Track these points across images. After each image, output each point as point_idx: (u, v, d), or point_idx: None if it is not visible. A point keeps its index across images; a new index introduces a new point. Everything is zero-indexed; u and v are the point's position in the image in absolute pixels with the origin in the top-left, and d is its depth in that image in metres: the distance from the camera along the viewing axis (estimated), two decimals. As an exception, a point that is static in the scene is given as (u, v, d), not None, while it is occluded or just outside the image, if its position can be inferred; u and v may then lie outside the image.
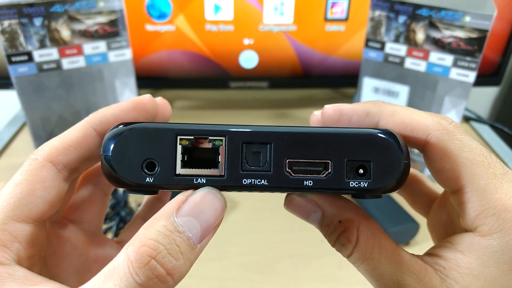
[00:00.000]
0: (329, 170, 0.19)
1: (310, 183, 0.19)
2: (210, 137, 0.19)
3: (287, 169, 0.19)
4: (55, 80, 0.56)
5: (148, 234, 0.16)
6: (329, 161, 0.19)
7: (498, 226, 0.18)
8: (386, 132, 0.19)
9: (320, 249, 0.51)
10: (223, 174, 0.18)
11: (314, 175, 0.19)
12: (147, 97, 0.22)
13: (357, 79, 0.66)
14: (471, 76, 0.57)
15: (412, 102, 0.63)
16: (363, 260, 0.20)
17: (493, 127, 0.78)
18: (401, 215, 0.52)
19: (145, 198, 0.29)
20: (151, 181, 0.18)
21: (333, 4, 0.69)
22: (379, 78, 0.64)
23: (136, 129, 0.19)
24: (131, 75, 0.61)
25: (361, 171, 0.19)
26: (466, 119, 0.80)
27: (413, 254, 0.20)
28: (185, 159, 0.19)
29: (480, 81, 0.66)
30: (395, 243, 0.20)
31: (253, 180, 0.18)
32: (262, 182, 0.18)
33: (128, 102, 0.22)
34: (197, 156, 0.19)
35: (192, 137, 0.19)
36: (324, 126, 0.22)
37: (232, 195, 0.59)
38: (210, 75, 0.75)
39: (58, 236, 0.24)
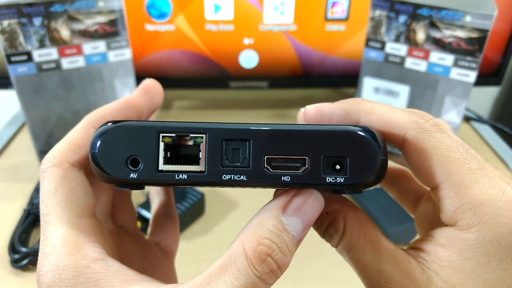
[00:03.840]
0: (306, 166, 0.19)
1: (288, 178, 0.19)
2: (191, 135, 0.19)
3: (265, 165, 0.19)
4: (54, 80, 0.56)
5: (262, 232, 0.18)
6: (306, 157, 0.19)
7: (475, 220, 0.18)
8: (362, 128, 0.19)
9: (320, 249, 0.51)
10: (204, 170, 0.19)
11: (292, 171, 0.19)
12: (135, 95, 0.24)
13: (358, 79, 0.66)
14: (472, 76, 0.57)
15: (413, 102, 0.63)
16: (349, 249, 0.20)
17: (494, 127, 0.78)
18: (401, 215, 0.52)
19: (152, 198, 0.30)
20: (135, 176, 0.19)
21: (333, 4, 0.69)
22: (380, 78, 0.64)
23: (120, 127, 0.19)
24: (131, 75, 0.61)
25: (337, 167, 0.19)
26: (467, 119, 0.80)
27: (397, 246, 0.21)
28: (168, 155, 0.19)
29: (481, 81, 0.66)
30: (380, 233, 0.21)
31: (232, 175, 0.19)
32: (241, 178, 0.19)
33: (121, 102, 0.23)
34: (179, 152, 0.19)
35: (174, 135, 0.19)
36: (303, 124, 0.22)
37: (232, 196, 0.59)
38: (210, 75, 0.75)
39: (119, 239, 0.25)
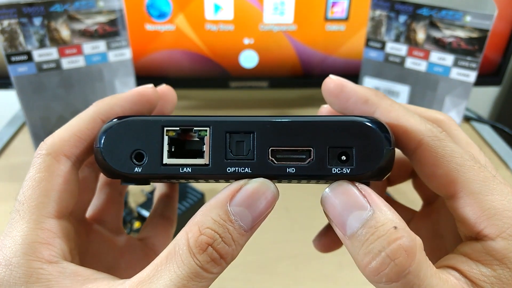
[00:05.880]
0: (312, 157, 0.19)
1: (293, 170, 0.19)
2: (195, 128, 0.19)
3: (270, 157, 0.19)
4: (54, 80, 0.56)
5: (205, 222, 0.18)
6: (311, 148, 0.19)
7: (504, 225, 0.18)
8: (368, 118, 0.19)
9: (320, 249, 0.51)
10: (208, 163, 0.19)
11: (297, 163, 0.19)
12: (150, 88, 0.23)
13: (358, 79, 0.66)
14: (472, 76, 0.57)
15: (413, 102, 0.63)
16: (418, 285, 0.17)
17: (494, 127, 0.78)
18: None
19: (156, 196, 0.30)
20: (140, 171, 0.19)
21: (334, 4, 0.69)
22: (380, 78, 0.64)
23: (125, 122, 0.19)
24: (131, 75, 0.61)
25: (343, 157, 0.19)
26: (467, 119, 0.80)
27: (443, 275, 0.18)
28: (172, 149, 0.19)
29: (481, 81, 0.66)
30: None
31: (237, 168, 0.19)
32: (245, 170, 0.19)
33: (133, 94, 0.22)
34: (183, 146, 0.20)
35: (178, 128, 0.19)
36: (307, 115, 0.22)
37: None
38: (210, 75, 0.75)
39: (87, 235, 0.24)
